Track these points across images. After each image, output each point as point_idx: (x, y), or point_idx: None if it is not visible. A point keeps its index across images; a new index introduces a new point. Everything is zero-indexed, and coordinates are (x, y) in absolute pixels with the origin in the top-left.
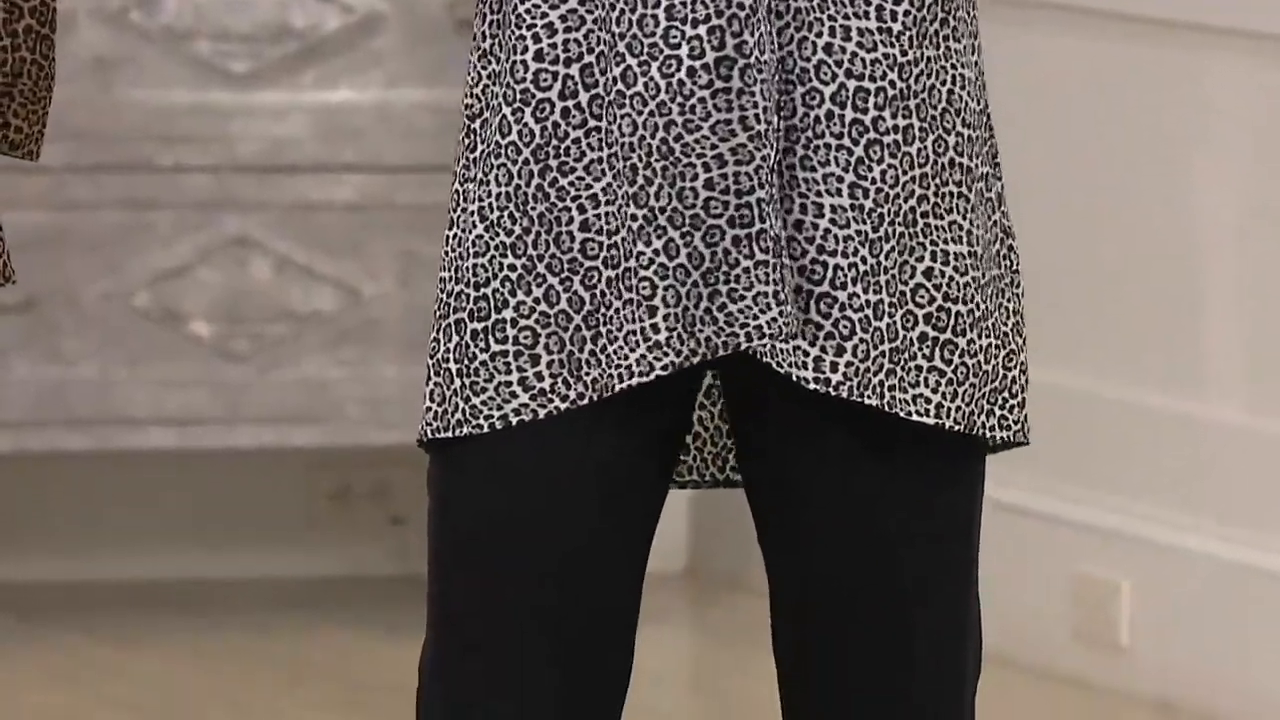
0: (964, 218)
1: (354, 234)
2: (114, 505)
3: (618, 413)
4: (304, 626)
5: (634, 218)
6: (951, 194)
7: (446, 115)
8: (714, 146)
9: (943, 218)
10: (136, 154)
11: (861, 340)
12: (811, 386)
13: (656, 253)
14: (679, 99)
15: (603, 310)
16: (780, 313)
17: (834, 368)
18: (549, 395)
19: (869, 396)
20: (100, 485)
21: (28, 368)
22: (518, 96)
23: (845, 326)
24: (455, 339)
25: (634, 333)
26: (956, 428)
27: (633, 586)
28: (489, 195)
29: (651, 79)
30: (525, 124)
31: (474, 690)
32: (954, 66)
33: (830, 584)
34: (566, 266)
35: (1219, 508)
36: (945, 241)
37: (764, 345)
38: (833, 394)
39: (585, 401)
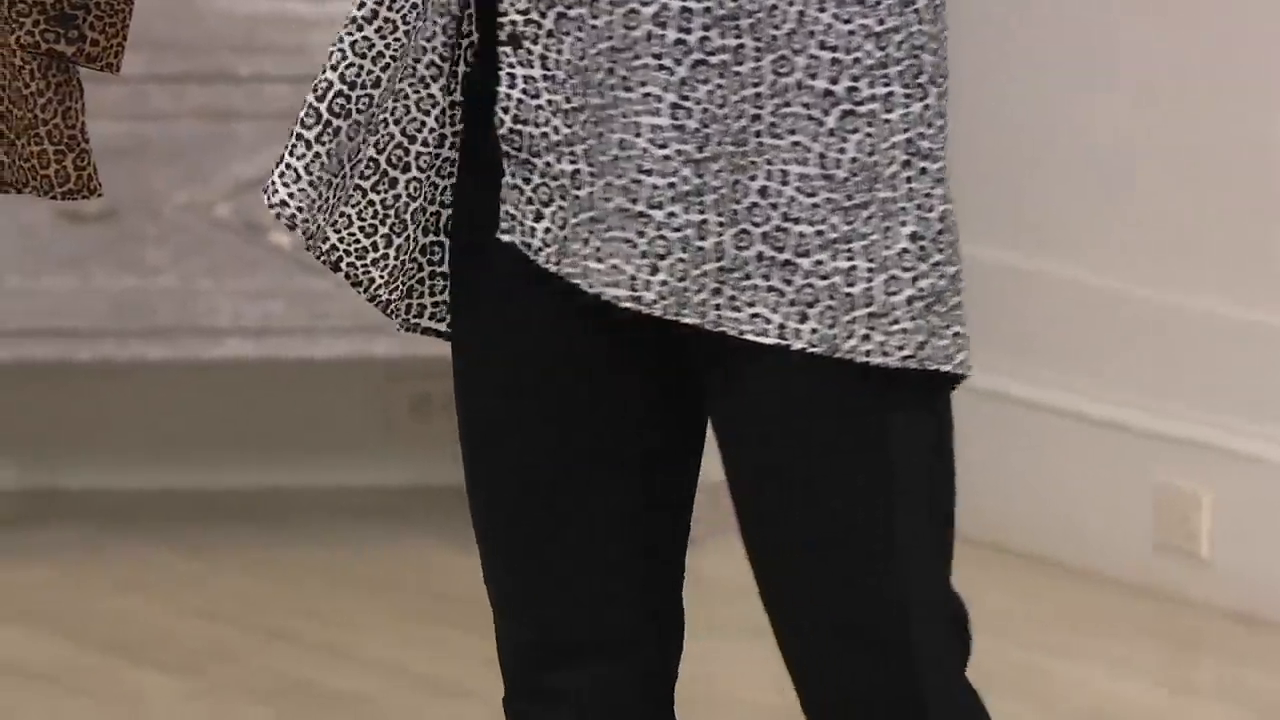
0: (813, 139)
1: None
2: (194, 415)
3: None
4: (383, 537)
5: None
6: (796, 115)
7: None
8: None
9: (782, 138)
10: (217, 64)
11: (679, 260)
12: (624, 305)
13: None
14: None
15: None
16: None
17: (648, 286)
18: None
19: (686, 315)
20: (181, 395)
21: (109, 277)
22: None
23: (661, 246)
24: None
25: None
26: (814, 349)
27: None
28: None
29: None
30: None
31: None
32: None
33: (762, 514)
34: None
35: None
36: (785, 161)
37: (544, 259)
38: (646, 311)
39: None
